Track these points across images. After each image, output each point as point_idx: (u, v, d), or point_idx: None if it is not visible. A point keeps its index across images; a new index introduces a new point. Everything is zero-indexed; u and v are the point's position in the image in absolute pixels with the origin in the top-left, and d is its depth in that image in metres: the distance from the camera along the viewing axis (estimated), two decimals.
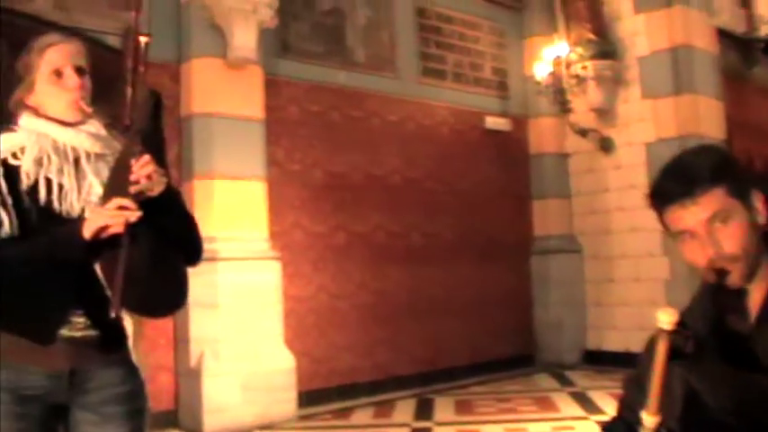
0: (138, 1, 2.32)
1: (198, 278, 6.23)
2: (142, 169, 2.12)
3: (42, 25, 6.01)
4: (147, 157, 2.14)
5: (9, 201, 2.15)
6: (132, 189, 2.09)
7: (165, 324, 6.42)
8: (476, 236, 8.92)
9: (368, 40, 8.24)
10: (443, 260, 8.58)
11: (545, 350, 9.39)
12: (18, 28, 5.92)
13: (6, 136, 2.25)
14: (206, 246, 6.18)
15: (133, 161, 2.12)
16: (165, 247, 2.22)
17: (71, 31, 6.05)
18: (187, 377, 6.46)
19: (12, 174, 2.18)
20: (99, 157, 2.29)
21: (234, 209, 6.57)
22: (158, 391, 6.41)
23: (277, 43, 7.42)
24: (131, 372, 2.37)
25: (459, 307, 8.60)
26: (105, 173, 2.25)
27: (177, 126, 6.67)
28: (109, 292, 2.11)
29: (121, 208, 2.07)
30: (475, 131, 9.17)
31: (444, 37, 9.03)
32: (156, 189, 2.17)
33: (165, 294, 2.27)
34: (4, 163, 2.19)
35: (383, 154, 8.19)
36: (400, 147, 8.34)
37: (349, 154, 7.87)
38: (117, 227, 2.06)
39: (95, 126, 2.31)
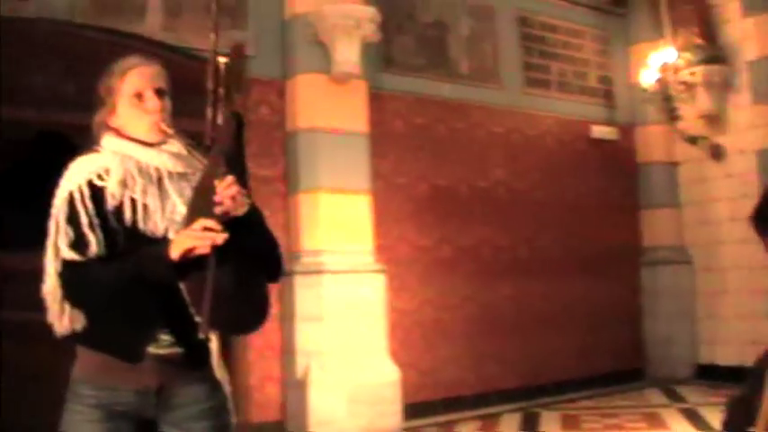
0: (216, 23, 2.33)
1: (304, 291, 6.41)
2: (226, 190, 2.13)
3: (151, 45, 6.22)
4: (230, 179, 2.15)
5: (96, 222, 2.19)
6: (217, 210, 2.11)
7: (272, 336, 6.53)
8: (583, 247, 8.75)
9: (471, 51, 8.21)
10: (550, 273, 8.45)
11: (655, 364, 9.12)
12: (128, 48, 6.14)
13: (91, 157, 2.30)
14: (312, 259, 6.34)
15: (217, 182, 2.14)
16: (248, 266, 2.23)
17: (180, 52, 6.27)
18: (294, 389, 6.53)
19: (97, 195, 2.22)
20: (181, 176, 2.32)
21: (339, 222, 6.62)
22: (265, 402, 6.52)
23: (380, 57, 7.46)
24: (215, 387, 2.38)
25: (566, 320, 8.45)
26: (188, 192, 2.28)
27: (283, 141, 6.78)
28: (193, 310, 2.13)
29: (207, 229, 2.08)
30: (581, 141, 9.02)
31: (548, 46, 8.92)
32: (240, 210, 2.18)
33: (249, 313, 2.27)
34: (90, 184, 2.23)
35: (488, 166, 8.13)
36: (506, 158, 8.27)
37: (454, 166, 7.84)
38: (203, 248, 2.08)
39: (176, 146, 2.35)
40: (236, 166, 2.24)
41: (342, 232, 6.62)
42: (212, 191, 2.13)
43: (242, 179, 2.24)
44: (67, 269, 2.19)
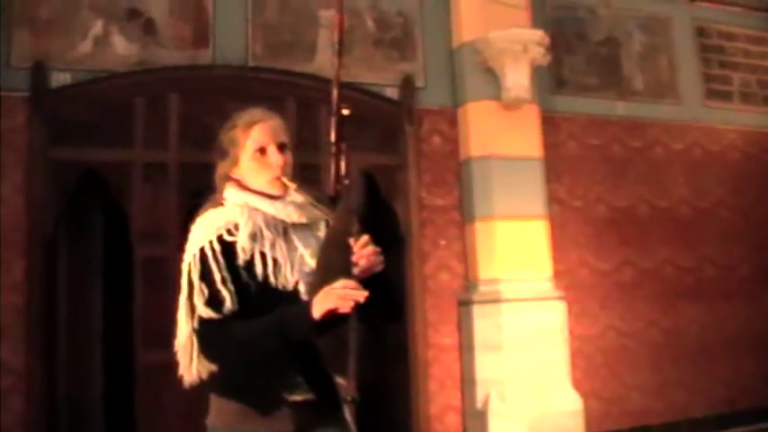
0: (337, 76, 2.30)
1: (483, 320, 6.37)
2: (363, 250, 2.13)
3: (322, 82, 6.38)
4: (366, 238, 2.15)
5: (229, 278, 2.22)
6: (356, 271, 2.11)
7: (452, 366, 6.52)
8: None
9: (645, 66, 7.97)
10: (740, 293, 8.02)
11: None
12: (300, 87, 6.34)
13: (219, 212, 2.32)
14: (490, 288, 6.30)
15: (352, 241, 2.13)
16: (379, 317, 2.25)
17: (351, 87, 6.39)
18: (474, 418, 6.46)
19: (228, 250, 2.24)
20: (305, 226, 2.34)
21: (516, 249, 6.53)
22: None
23: (551, 79, 7.37)
24: (347, 429, 2.35)
25: (759, 343, 7.98)
26: (312, 242, 2.30)
27: (457, 170, 6.79)
28: (331, 367, 2.17)
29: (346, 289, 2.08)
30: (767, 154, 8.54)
31: (728, 56, 8.54)
32: (377, 268, 2.17)
33: (383, 361, 2.29)
34: (221, 239, 2.26)
35: (669, 184, 7.84)
36: (687, 175, 7.96)
37: (633, 186, 7.62)
38: (345, 308, 2.07)
39: (298, 197, 2.36)
40: (369, 222, 2.24)
41: (519, 259, 6.53)
42: (346, 248, 2.13)
43: (377, 233, 2.24)
44: (204, 326, 2.23)
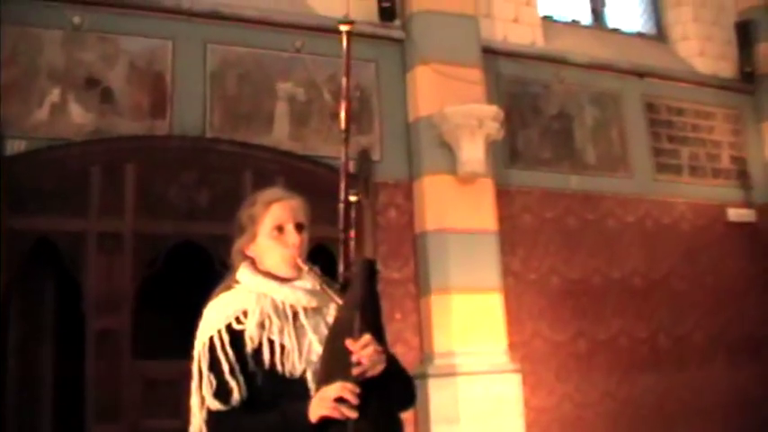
0: (345, 164, 2.32)
1: (438, 393, 6.33)
2: (364, 350, 2.10)
3: (280, 155, 6.43)
4: (367, 338, 2.11)
5: (237, 368, 2.21)
6: (355, 372, 2.09)
7: None
8: (729, 334, 8.38)
9: (597, 140, 8.14)
10: (695, 362, 8.12)
11: None
12: (258, 159, 6.37)
13: (229, 299, 2.32)
14: (445, 361, 6.27)
15: (352, 342, 2.11)
16: (386, 409, 2.21)
17: (308, 159, 6.44)
18: None
19: (237, 339, 2.24)
20: (315, 311, 2.32)
21: (472, 322, 6.55)
22: None
23: (506, 153, 7.49)
24: None
25: (714, 411, 8.02)
26: (322, 328, 2.28)
27: (412, 242, 6.83)
28: None
29: (342, 399, 2.06)
30: (718, 225, 8.73)
31: (677, 130, 8.76)
32: (377, 369, 2.14)
33: None
34: (229, 328, 2.25)
35: (622, 255, 7.96)
36: (639, 247, 8.08)
37: (586, 258, 7.72)
38: (337, 416, 2.07)
39: (310, 281, 2.34)
40: (371, 317, 2.21)
41: (475, 332, 6.55)
42: (347, 349, 2.11)
43: (377, 331, 2.21)
44: (213, 418, 2.23)
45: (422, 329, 6.65)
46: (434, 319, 6.57)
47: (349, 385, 2.07)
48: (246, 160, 6.36)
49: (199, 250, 5.93)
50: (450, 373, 6.35)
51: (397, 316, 6.63)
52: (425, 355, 6.57)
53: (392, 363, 2.24)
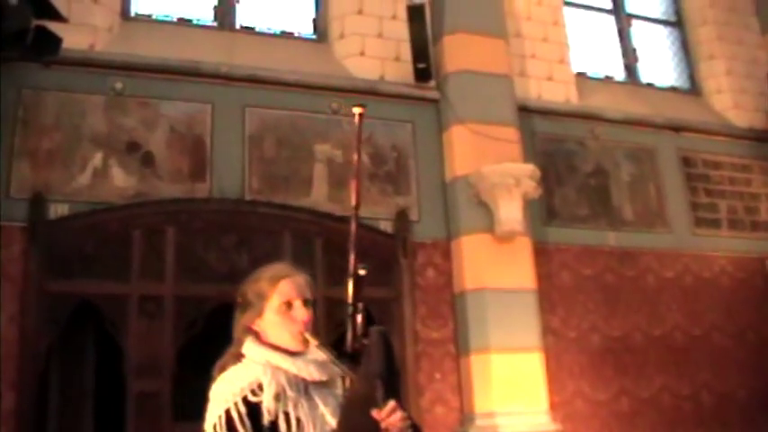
0: (354, 238, 2.31)
1: None
2: (390, 417, 2.13)
3: (318, 217, 6.46)
4: (393, 405, 2.14)
5: None
6: None
7: None
8: None
9: (634, 196, 8.12)
10: (739, 419, 7.92)
11: None
12: (297, 221, 6.42)
13: (242, 371, 2.34)
14: (486, 422, 6.20)
15: (377, 410, 2.13)
16: None
17: (345, 221, 6.46)
18: None
19: (253, 410, 2.25)
20: (323, 384, 2.34)
21: (512, 382, 6.48)
22: None
23: (543, 211, 7.49)
24: None
25: None
26: (331, 401, 2.31)
27: (451, 302, 6.81)
28: None
29: None
30: (758, 277, 8.60)
31: (714, 183, 8.71)
32: None
33: None
34: (245, 400, 2.26)
35: (662, 312, 7.87)
36: (680, 302, 7.99)
37: (627, 315, 7.64)
38: None
39: (319, 354, 2.36)
40: (391, 386, 2.23)
41: (515, 392, 6.47)
42: (369, 415, 2.12)
43: (396, 397, 2.22)
44: None
45: (462, 390, 6.60)
46: (474, 379, 6.52)
47: None
48: (285, 222, 6.42)
49: None
50: None
51: (437, 376, 6.59)
52: (466, 416, 6.51)
53: (417, 430, 2.26)
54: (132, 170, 6.24)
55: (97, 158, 6.16)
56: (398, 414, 2.15)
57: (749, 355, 8.21)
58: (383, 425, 2.11)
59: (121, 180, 6.19)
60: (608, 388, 7.32)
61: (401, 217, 6.79)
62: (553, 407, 6.69)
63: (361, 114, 2.41)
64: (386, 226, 6.76)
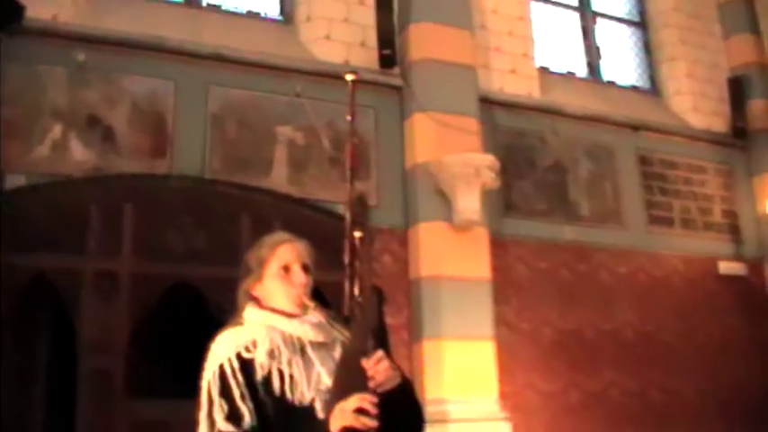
0: (350, 199, 2.41)
1: None
2: (378, 365, 2.16)
3: (278, 199, 6.45)
4: (380, 353, 2.18)
5: (247, 394, 2.25)
6: (371, 384, 2.14)
7: None
8: (720, 390, 8.34)
9: (591, 192, 8.22)
10: (685, 418, 8.07)
11: None
12: (256, 202, 6.40)
13: (237, 331, 2.38)
14: (436, 408, 6.25)
15: (365, 359, 2.16)
16: (403, 422, 2.25)
17: (306, 205, 6.47)
18: None
19: (247, 366, 2.29)
20: (321, 345, 2.38)
21: (463, 370, 6.54)
22: None
23: (501, 204, 7.55)
24: None
25: None
26: (329, 362, 2.33)
27: (407, 289, 6.84)
28: None
29: (363, 410, 2.10)
30: (709, 278, 8.77)
31: (669, 183, 8.85)
32: (392, 383, 2.20)
33: None
34: (239, 356, 2.30)
35: (615, 308, 7.99)
36: (632, 300, 8.12)
37: (579, 310, 7.74)
38: (359, 426, 2.10)
39: (316, 316, 2.42)
40: (380, 340, 2.28)
41: (466, 380, 6.54)
42: (361, 366, 2.15)
43: (386, 352, 2.26)
44: None
45: (413, 376, 6.63)
46: (426, 367, 6.56)
47: (368, 396, 2.12)
48: (245, 203, 6.38)
49: (194, 292, 5.94)
50: (442, 420, 6.32)
51: None
52: None
53: (407, 382, 2.30)
54: (92, 144, 6.15)
55: (57, 131, 6.07)
56: (385, 362, 2.18)
57: (698, 354, 8.37)
58: (370, 372, 2.14)
59: (80, 154, 6.11)
60: (558, 380, 7.42)
61: (360, 201, 6.77)
62: (503, 396, 6.76)
63: (354, 81, 2.46)
64: (344, 211, 6.73)
